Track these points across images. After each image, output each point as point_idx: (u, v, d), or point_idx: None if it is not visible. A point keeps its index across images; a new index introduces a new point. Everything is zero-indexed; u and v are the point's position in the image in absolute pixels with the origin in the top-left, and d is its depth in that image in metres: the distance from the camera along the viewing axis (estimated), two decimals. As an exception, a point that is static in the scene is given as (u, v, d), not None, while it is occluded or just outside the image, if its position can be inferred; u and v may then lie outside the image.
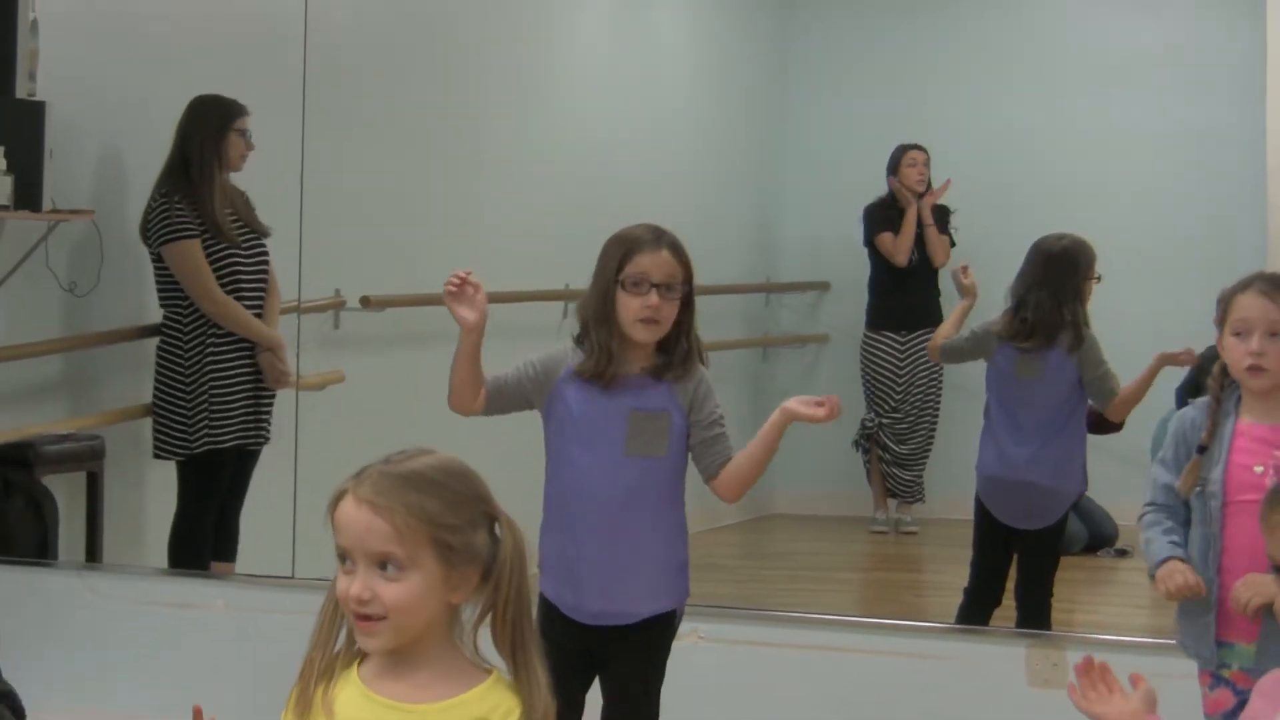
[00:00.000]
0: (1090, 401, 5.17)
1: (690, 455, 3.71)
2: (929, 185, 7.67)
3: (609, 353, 3.61)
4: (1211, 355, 3.70)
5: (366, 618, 2.23)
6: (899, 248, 7.59)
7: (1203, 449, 3.45)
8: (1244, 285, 3.46)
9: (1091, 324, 5.18)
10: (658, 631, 3.73)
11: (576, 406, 3.65)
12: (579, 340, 3.69)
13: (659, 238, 3.65)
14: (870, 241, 7.69)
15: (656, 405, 3.63)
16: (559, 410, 3.67)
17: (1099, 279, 5.22)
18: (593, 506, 3.64)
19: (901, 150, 7.67)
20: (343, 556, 2.26)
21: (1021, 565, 5.19)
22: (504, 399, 3.71)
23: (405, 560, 2.22)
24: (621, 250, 3.64)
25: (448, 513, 2.24)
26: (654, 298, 3.59)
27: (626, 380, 3.63)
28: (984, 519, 5.24)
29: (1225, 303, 3.48)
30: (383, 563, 2.22)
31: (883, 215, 7.66)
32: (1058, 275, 5.14)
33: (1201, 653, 3.48)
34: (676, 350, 3.65)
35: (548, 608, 3.70)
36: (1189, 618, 3.49)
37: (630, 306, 3.60)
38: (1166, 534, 3.47)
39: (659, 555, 3.69)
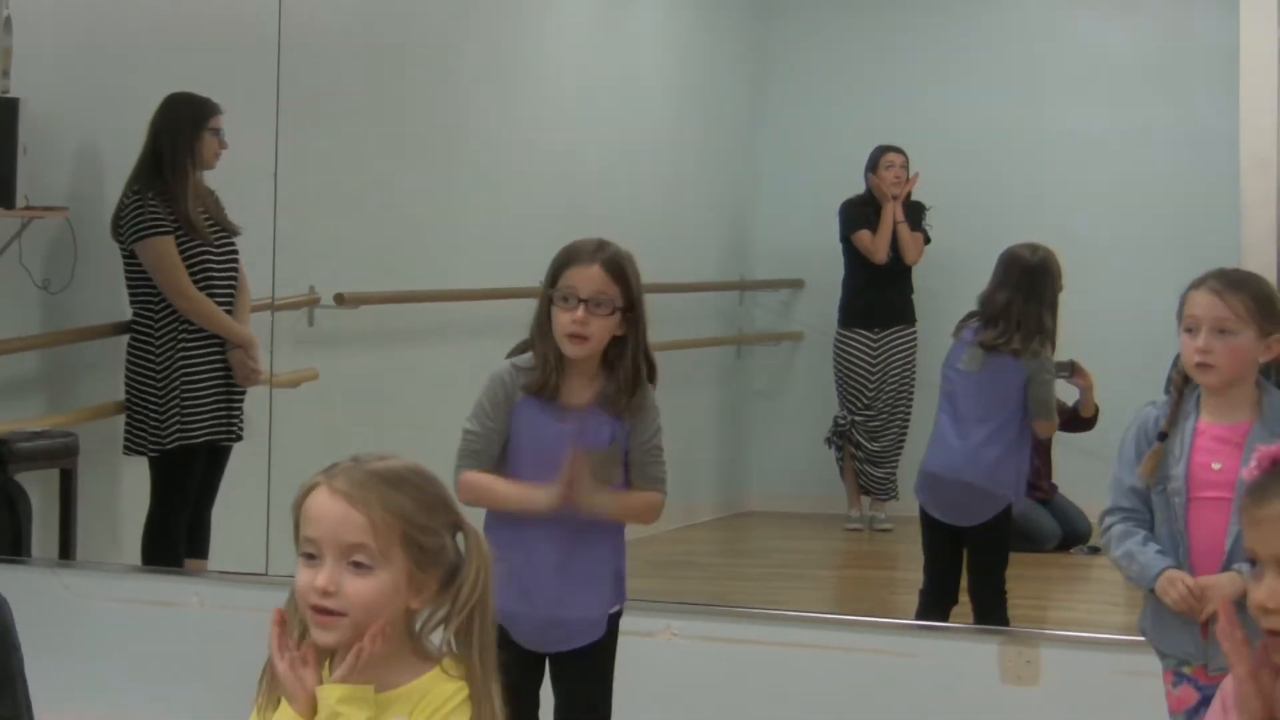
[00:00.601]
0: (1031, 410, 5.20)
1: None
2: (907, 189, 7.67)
3: (550, 364, 3.60)
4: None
5: (326, 611, 2.22)
6: (877, 245, 7.60)
7: (1163, 436, 3.46)
8: (1198, 282, 3.47)
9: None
10: (604, 636, 3.73)
11: (528, 430, 3.62)
12: (515, 352, 3.69)
13: (596, 252, 3.60)
14: (846, 238, 7.70)
15: (606, 437, 3.61)
16: (514, 428, 3.64)
17: (1061, 288, 5.28)
18: (543, 530, 3.61)
19: (880, 152, 7.67)
20: (309, 552, 2.24)
21: (970, 563, 5.23)
22: (491, 457, 3.67)
23: (377, 555, 2.21)
24: (558, 262, 3.62)
25: (421, 513, 2.24)
26: (580, 312, 3.55)
27: (578, 414, 3.60)
28: (929, 520, 5.28)
29: (1181, 300, 3.50)
30: (352, 556, 2.21)
31: (859, 213, 7.67)
32: (1040, 285, 5.19)
33: (1187, 649, 3.46)
34: (623, 374, 3.61)
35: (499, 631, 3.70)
36: (1167, 617, 3.48)
37: (560, 320, 3.58)
38: (1146, 543, 3.47)
39: (606, 569, 3.69)
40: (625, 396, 3.61)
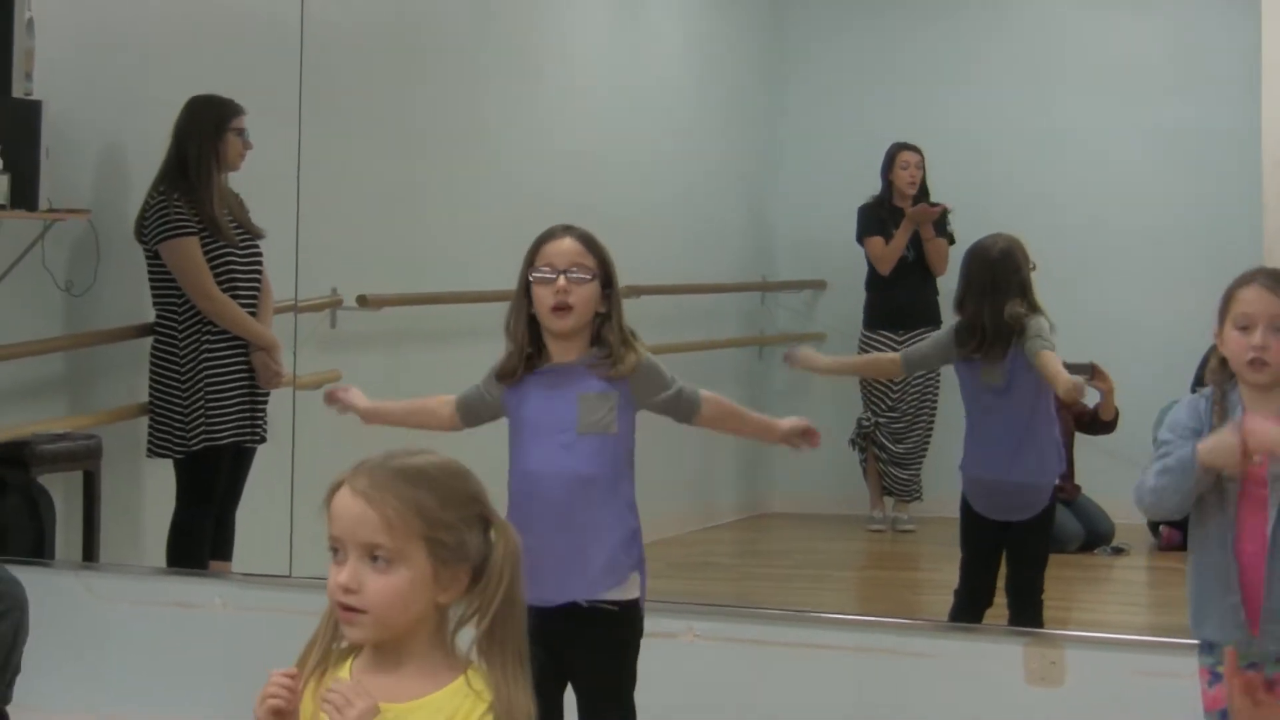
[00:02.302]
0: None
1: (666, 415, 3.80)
2: (923, 188, 7.67)
3: (522, 352, 3.70)
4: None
5: (350, 609, 2.24)
6: (886, 255, 7.61)
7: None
8: (1247, 279, 3.49)
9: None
10: (623, 626, 3.72)
11: (525, 402, 3.72)
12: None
13: (565, 229, 3.73)
14: (861, 241, 7.71)
15: (602, 388, 3.69)
16: (511, 409, 3.75)
17: (1034, 267, 5.21)
18: (547, 492, 3.67)
19: (895, 150, 7.68)
20: (335, 548, 2.27)
21: (1011, 561, 5.20)
22: (475, 413, 3.86)
23: (394, 552, 2.23)
24: (531, 248, 3.73)
25: (440, 508, 2.25)
26: (561, 281, 3.64)
27: (569, 371, 3.69)
28: (970, 517, 5.24)
29: (1227, 297, 3.50)
30: (373, 554, 2.23)
31: (875, 216, 7.67)
32: (1004, 277, 5.13)
33: (1231, 634, 3.45)
34: (610, 343, 3.69)
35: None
36: (1211, 602, 3.48)
37: (542, 296, 3.66)
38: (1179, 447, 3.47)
39: (612, 532, 3.70)
40: (615, 364, 3.68)
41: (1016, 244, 5.19)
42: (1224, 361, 3.51)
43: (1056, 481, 5.23)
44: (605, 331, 3.69)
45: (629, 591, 3.71)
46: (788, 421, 3.91)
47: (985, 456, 5.19)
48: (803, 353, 5.48)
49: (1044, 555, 5.21)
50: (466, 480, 2.31)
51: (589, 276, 3.65)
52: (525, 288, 3.70)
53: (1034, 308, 5.10)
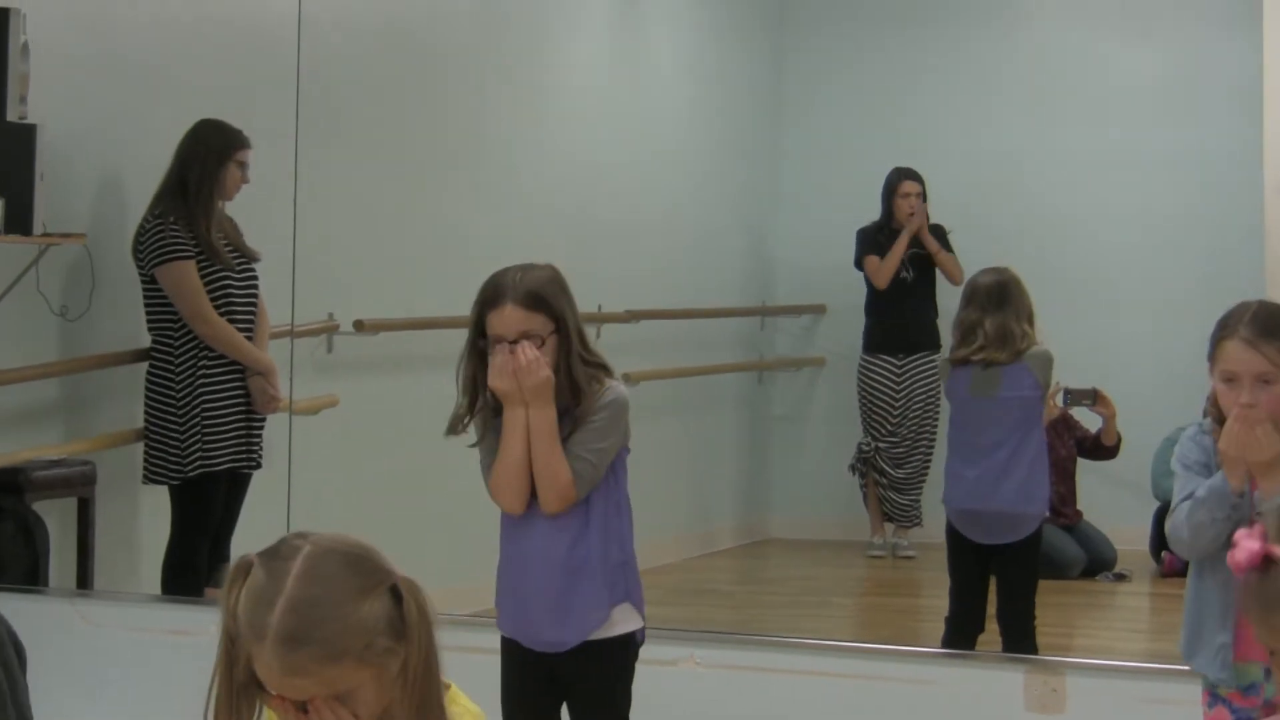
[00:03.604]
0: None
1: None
2: (924, 218, 7.68)
3: (472, 404, 3.65)
4: None
5: None
6: (882, 271, 7.63)
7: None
8: (1229, 331, 3.43)
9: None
10: (619, 653, 3.72)
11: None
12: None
13: (507, 291, 3.59)
14: (859, 264, 7.73)
15: (567, 430, 3.64)
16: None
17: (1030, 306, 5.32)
18: (532, 545, 3.66)
19: (896, 178, 7.69)
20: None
21: (1000, 585, 5.23)
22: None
23: (345, 693, 2.22)
24: (476, 308, 3.64)
25: (341, 639, 2.20)
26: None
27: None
28: (956, 542, 5.29)
29: (1214, 342, 3.48)
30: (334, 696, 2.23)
31: (873, 239, 7.70)
32: (1012, 298, 5.22)
33: (1217, 673, 3.46)
34: (563, 395, 3.62)
35: (508, 645, 3.75)
36: (1202, 637, 3.49)
37: (495, 365, 3.59)
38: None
39: (600, 573, 3.67)
40: (579, 409, 3.63)
41: (1018, 278, 5.31)
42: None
43: (1042, 515, 5.26)
44: (562, 374, 3.61)
45: (621, 626, 3.70)
46: None
47: (968, 482, 5.23)
48: None
49: (1032, 582, 5.24)
50: (351, 575, 2.24)
51: (539, 343, 3.58)
52: (474, 347, 3.64)
53: (1034, 331, 5.16)
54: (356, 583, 2.23)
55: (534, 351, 3.55)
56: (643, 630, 3.74)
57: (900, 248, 7.60)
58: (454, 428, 3.70)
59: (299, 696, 2.22)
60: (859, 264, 7.73)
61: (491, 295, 3.61)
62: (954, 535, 5.30)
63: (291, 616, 2.20)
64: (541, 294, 3.60)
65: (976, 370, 5.22)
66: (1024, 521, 5.20)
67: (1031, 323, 5.21)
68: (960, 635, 5.22)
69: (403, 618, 2.23)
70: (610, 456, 3.66)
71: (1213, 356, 3.48)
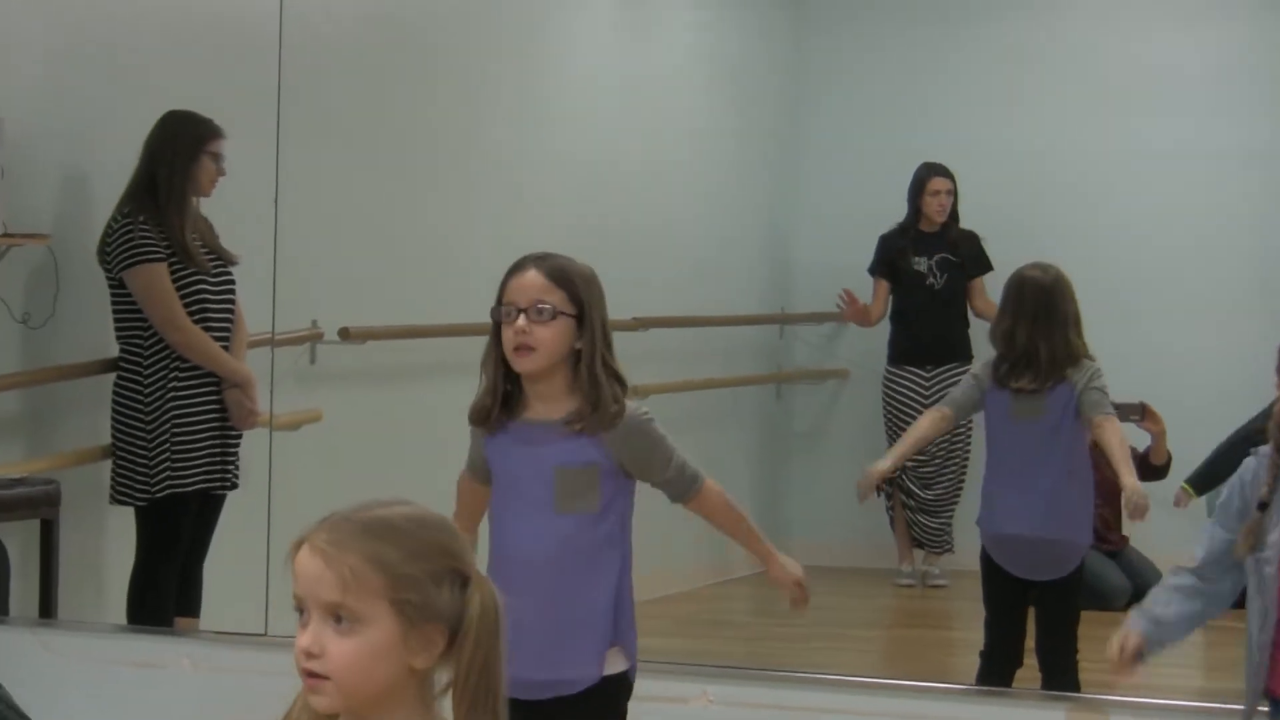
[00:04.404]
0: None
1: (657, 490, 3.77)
2: (954, 215, 7.67)
3: (495, 391, 3.69)
4: None
5: (313, 675, 2.22)
6: (873, 311, 7.70)
7: (1263, 505, 3.44)
8: None
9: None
10: (610, 695, 3.72)
11: (504, 458, 3.72)
12: None
13: (532, 260, 3.69)
14: (874, 273, 7.72)
15: (582, 458, 3.66)
16: (492, 462, 3.75)
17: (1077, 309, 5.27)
18: (524, 568, 3.65)
19: (925, 175, 7.68)
20: (299, 608, 2.25)
21: (1040, 620, 5.23)
22: (483, 470, 3.82)
23: (356, 613, 2.20)
24: (502, 281, 3.71)
25: (404, 563, 2.22)
26: (521, 321, 3.62)
27: (547, 431, 3.67)
28: (993, 572, 5.28)
29: None
30: (335, 615, 2.21)
31: (894, 246, 7.70)
32: (1058, 305, 5.17)
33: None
34: (580, 389, 3.66)
35: None
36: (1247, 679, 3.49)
37: (505, 337, 3.66)
38: (1172, 595, 3.51)
39: (598, 614, 3.69)
40: (596, 415, 3.64)
41: (1065, 274, 5.23)
42: None
43: (1088, 544, 5.24)
44: (577, 375, 3.65)
45: (611, 667, 3.71)
46: (791, 566, 3.94)
47: (1009, 507, 5.22)
48: (863, 482, 5.47)
49: (1074, 614, 5.24)
50: (439, 531, 2.28)
51: (552, 316, 3.62)
52: (496, 325, 3.70)
53: (1082, 341, 5.12)
54: (440, 543, 2.26)
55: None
56: (633, 669, 3.74)
57: (880, 306, 7.65)
58: (476, 416, 3.73)
59: (315, 587, 2.20)
60: (874, 272, 7.73)
61: (517, 264, 3.69)
62: (989, 563, 5.28)
63: (375, 512, 2.25)
64: (569, 273, 3.67)
65: (1020, 393, 5.17)
66: (1067, 554, 5.17)
67: (1079, 330, 5.16)
68: (996, 671, 5.21)
69: (464, 610, 2.23)
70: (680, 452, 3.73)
71: None
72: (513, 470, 3.70)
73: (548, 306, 3.62)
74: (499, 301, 3.68)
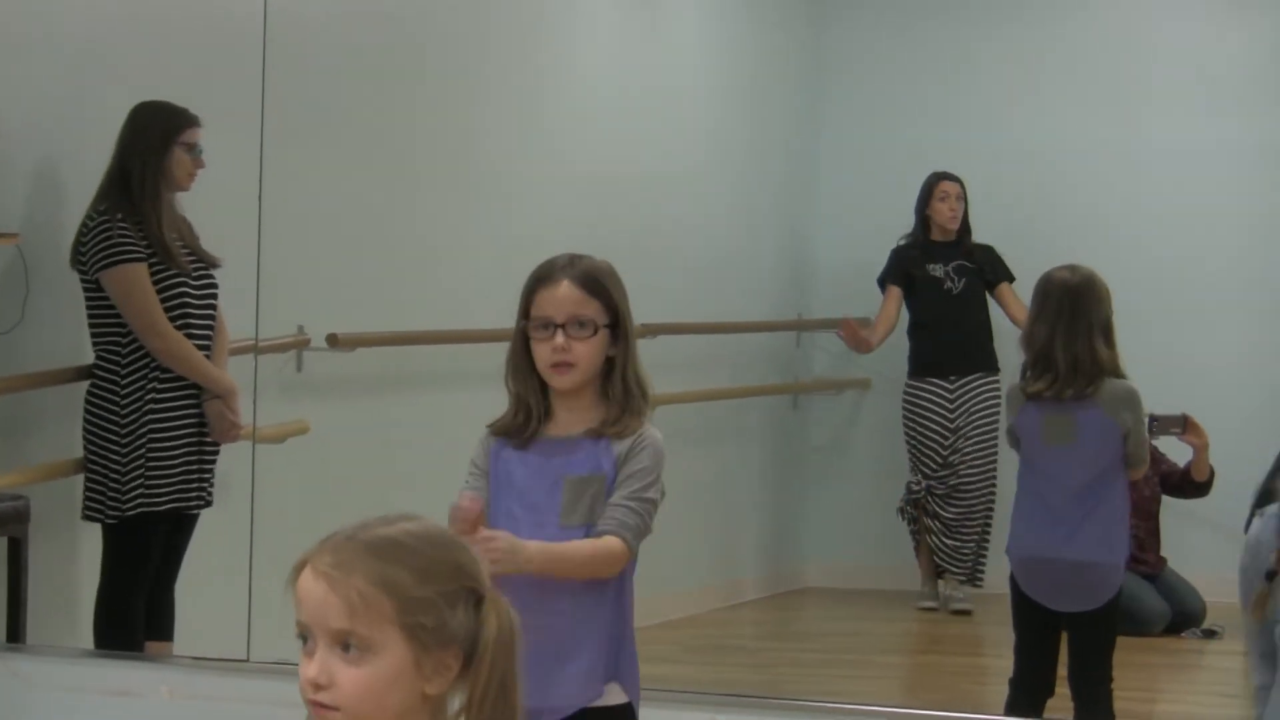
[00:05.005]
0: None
1: None
2: (965, 222, 7.65)
3: (528, 408, 3.69)
4: None
5: (322, 705, 2.21)
6: (877, 329, 7.68)
7: (1271, 575, 3.40)
8: None
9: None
10: None
11: (505, 474, 3.72)
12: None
13: (561, 269, 3.69)
14: (882, 284, 7.71)
15: (591, 466, 3.66)
16: (497, 478, 3.73)
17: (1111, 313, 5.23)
18: (517, 591, 3.61)
19: (933, 180, 7.70)
20: (302, 636, 2.24)
21: (1073, 647, 5.20)
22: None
23: (366, 640, 2.21)
24: (527, 288, 3.72)
25: (416, 585, 2.22)
26: (559, 339, 3.63)
27: (564, 445, 3.69)
28: (1023, 596, 5.25)
29: None
30: (344, 643, 2.21)
31: (906, 257, 7.70)
32: (1086, 307, 5.13)
33: None
34: (612, 397, 3.68)
35: None
36: None
37: (540, 353, 3.66)
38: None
39: (600, 634, 3.69)
40: (620, 421, 3.66)
41: (1098, 277, 5.18)
42: None
43: (1123, 571, 5.21)
44: (609, 384, 3.67)
45: (611, 699, 3.71)
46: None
47: (1039, 532, 5.18)
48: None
49: (1110, 640, 5.20)
50: (449, 548, 2.29)
51: (592, 331, 3.64)
52: (523, 338, 3.69)
53: (1114, 353, 5.08)
54: (453, 562, 2.26)
55: (507, 541, 3.51)
56: (636, 699, 3.73)
57: (885, 324, 7.64)
58: (505, 433, 3.73)
59: (321, 613, 2.20)
60: (882, 283, 7.72)
61: (545, 272, 3.69)
62: (1018, 591, 5.25)
63: (380, 531, 2.25)
64: (601, 279, 3.69)
65: (1049, 411, 5.14)
66: (1101, 583, 5.13)
67: (1109, 340, 5.12)
68: (1026, 700, 5.18)
69: (479, 631, 2.24)
70: (655, 509, 3.67)
71: None
72: (519, 482, 3.70)
73: (588, 321, 3.64)
74: (526, 314, 3.68)
